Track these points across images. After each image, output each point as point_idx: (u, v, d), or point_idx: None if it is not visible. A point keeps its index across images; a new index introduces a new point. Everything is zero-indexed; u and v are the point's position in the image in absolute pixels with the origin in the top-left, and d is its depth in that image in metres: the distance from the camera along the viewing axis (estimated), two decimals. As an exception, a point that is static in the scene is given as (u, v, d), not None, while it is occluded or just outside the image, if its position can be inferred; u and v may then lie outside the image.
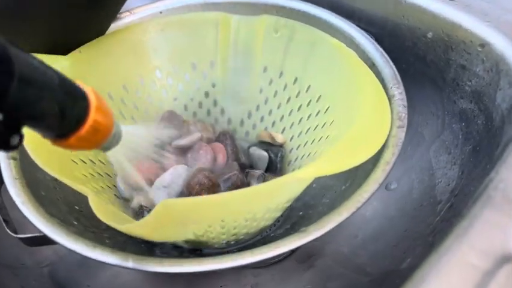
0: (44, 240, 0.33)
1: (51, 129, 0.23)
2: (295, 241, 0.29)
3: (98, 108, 0.25)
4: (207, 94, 0.50)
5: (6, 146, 0.21)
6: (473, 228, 0.24)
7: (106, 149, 0.28)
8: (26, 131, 0.28)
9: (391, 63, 0.39)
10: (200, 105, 0.51)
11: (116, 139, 0.28)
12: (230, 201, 0.29)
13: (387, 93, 0.37)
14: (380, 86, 0.36)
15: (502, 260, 0.22)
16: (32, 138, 0.32)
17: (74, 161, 0.38)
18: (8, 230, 0.34)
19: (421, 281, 0.22)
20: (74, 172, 0.37)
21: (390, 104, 0.36)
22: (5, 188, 0.36)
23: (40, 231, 0.31)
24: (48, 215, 0.32)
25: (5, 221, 0.34)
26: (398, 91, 0.37)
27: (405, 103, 0.36)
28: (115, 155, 0.31)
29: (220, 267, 0.28)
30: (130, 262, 0.28)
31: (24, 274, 0.37)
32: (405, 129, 0.34)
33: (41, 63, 0.21)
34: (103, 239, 0.34)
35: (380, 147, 0.31)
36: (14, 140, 0.21)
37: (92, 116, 0.24)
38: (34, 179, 0.36)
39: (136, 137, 0.33)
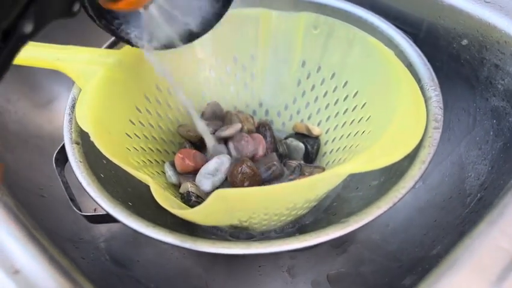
0: (105, 219, 0.36)
1: None
2: (338, 231, 0.31)
3: None
4: (246, 86, 0.53)
5: (69, 14, 0.23)
6: (504, 215, 0.27)
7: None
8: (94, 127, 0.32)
9: (429, 65, 0.41)
10: (239, 96, 0.53)
11: None
12: (275, 193, 0.32)
13: (423, 94, 0.38)
14: (417, 86, 0.38)
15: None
16: (97, 131, 0.36)
17: (128, 149, 0.42)
18: (74, 208, 0.37)
19: (454, 262, 0.25)
20: (129, 159, 0.41)
21: (427, 105, 0.38)
22: (66, 170, 0.40)
23: (104, 211, 0.34)
24: (110, 196, 0.35)
25: (71, 199, 0.38)
26: (435, 93, 0.38)
27: (442, 105, 0.38)
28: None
29: (268, 251, 0.30)
30: (187, 243, 0.31)
31: (83, 247, 0.41)
32: (440, 130, 0.36)
33: None
34: (154, 219, 0.37)
35: (413, 148, 0.33)
36: (76, 6, 0.23)
37: None
38: (94, 163, 0.39)
39: None
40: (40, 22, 0.21)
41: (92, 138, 0.35)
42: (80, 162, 0.38)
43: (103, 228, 0.45)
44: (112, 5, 0.27)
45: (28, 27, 0.20)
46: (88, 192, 0.35)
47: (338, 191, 0.46)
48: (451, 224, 0.41)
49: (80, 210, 0.37)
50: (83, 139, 0.40)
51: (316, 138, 0.49)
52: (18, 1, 0.19)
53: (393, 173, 0.38)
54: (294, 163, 0.46)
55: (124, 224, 0.33)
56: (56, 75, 0.52)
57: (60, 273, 0.26)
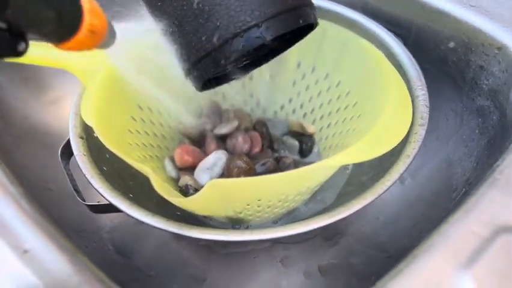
0: (107, 208, 0.38)
1: (50, 35, 0.25)
2: (326, 219, 0.33)
3: (91, 11, 0.27)
4: (244, 86, 0.55)
5: (15, 52, 0.24)
6: (479, 204, 0.29)
7: (104, 47, 0.31)
8: (97, 122, 0.34)
9: (417, 66, 0.43)
10: (238, 96, 0.56)
11: (112, 37, 0.31)
12: (267, 183, 0.34)
13: (411, 93, 0.41)
14: (405, 86, 0.40)
15: (501, 230, 0.27)
16: (100, 126, 0.38)
17: (130, 144, 0.44)
18: (79, 198, 0.39)
19: (430, 246, 0.27)
20: (131, 154, 0.43)
21: (414, 103, 0.40)
22: (71, 164, 0.42)
23: (106, 201, 0.37)
24: (112, 187, 0.38)
25: (76, 190, 0.40)
26: (422, 92, 0.41)
27: (428, 104, 0.40)
28: (115, 55, 0.34)
29: (264, 238, 0.32)
30: (183, 229, 0.33)
31: (87, 237, 0.43)
32: (425, 127, 0.38)
33: None
34: (153, 210, 0.39)
35: (399, 142, 0.35)
36: (21, 47, 0.24)
37: (88, 19, 0.26)
38: (97, 157, 0.41)
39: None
40: None
41: (95, 132, 0.37)
42: (84, 155, 0.40)
43: (105, 220, 0.47)
44: (61, 46, 0.27)
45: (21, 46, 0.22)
46: (91, 183, 0.37)
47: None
48: (438, 216, 0.42)
49: (84, 201, 0.39)
50: (87, 134, 0.42)
51: (311, 136, 0.51)
52: None
53: (382, 168, 0.40)
54: (288, 159, 0.48)
55: (124, 213, 0.36)
56: (62, 75, 0.55)
57: (66, 255, 0.28)
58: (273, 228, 0.34)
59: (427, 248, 0.28)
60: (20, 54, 0.24)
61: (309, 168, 0.35)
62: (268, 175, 0.32)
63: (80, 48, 0.27)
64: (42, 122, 0.54)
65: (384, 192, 0.35)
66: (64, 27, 0.25)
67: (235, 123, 0.50)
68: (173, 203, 0.35)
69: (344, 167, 0.49)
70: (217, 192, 0.33)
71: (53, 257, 0.28)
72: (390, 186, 0.35)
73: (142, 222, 0.45)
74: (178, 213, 0.44)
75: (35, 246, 0.28)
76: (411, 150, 0.38)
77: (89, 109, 0.39)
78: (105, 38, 0.29)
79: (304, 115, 0.53)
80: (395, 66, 0.43)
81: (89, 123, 0.38)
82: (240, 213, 0.40)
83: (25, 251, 0.28)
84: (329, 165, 0.36)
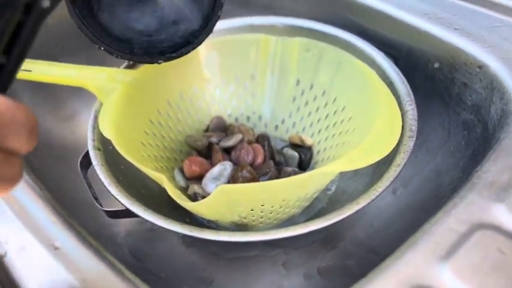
0: (124, 214, 0.42)
1: None
2: (323, 222, 0.37)
3: None
4: (247, 103, 0.59)
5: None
6: (458, 205, 0.32)
7: None
8: (115, 135, 0.38)
9: (406, 83, 0.47)
10: (241, 112, 0.60)
11: None
12: (270, 188, 0.38)
13: (401, 108, 0.45)
14: (395, 102, 0.44)
15: (476, 227, 0.30)
16: (117, 139, 0.42)
17: (143, 155, 0.48)
18: (97, 204, 0.43)
19: (413, 243, 0.31)
20: (145, 164, 0.47)
21: (404, 117, 0.44)
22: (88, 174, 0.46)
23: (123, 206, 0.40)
24: (128, 194, 0.41)
25: (94, 198, 0.44)
26: (411, 107, 0.45)
27: (416, 117, 0.43)
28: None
29: (266, 238, 0.36)
30: (195, 232, 0.37)
31: (104, 242, 0.46)
32: (414, 139, 0.42)
33: None
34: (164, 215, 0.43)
35: (390, 151, 0.38)
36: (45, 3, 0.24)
37: None
38: (113, 167, 0.45)
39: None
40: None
41: (114, 144, 0.41)
42: (102, 165, 0.44)
43: (120, 227, 0.51)
44: None
45: (46, 2, 0.22)
46: (109, 191, 0.41)
47: (329, 195, 0.52)
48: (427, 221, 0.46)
49: (102, 206, 0.43)
50: (104, 146, 0.46)
51: (309, 148, 0.55)
52: None
53: (375, 177, 0.44)
54: (289, 169, 0.51)
55: (141, 218, 0.39)
56: (77, 92, 0.59)
57: (93, 252, 0.32)
58: (274, 230, 0.37)
59: (411, 244, 0.31)
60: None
61: (308, 175, 0.39)
62: (271, 181, 0.36)
63: None
64: (60, 136, 0.58)
65: (376, 198, 0.39)
66: None
67: (239, 137, 0.53)
68: (185, 207, 0.39)
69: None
70: (225, 196, 0.37)
71: (82, 254, 0.32)
72: (381, 192, 0.39)
73: (154, 228, 0.49)
74: (187, 219, 0.48)
75: (65, 243, 0.32)
76: (401, 159, 0.41)
77: (107, 124, 0.43)
78: None
79: (304, 129, 0.57)
80: (386, 84, 0.47)
81: (107, 136, 0.42)
82: (245, 218, 0.43)
83: (56, 248, 0.31)
84: (325, 172, 0.39)
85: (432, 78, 0.52)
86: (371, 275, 0.30)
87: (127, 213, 0.41)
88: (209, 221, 0.49)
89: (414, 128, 0.44)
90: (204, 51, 0.56)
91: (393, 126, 0.42)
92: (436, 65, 0.50)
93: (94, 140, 0.46)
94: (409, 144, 0.43)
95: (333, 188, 0.53)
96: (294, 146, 0.56)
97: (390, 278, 0.29)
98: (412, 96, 0.46)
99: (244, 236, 0.37)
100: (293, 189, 0.40)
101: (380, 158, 0.38)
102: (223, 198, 0.37)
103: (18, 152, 0.21)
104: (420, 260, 0.30)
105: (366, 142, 0.42)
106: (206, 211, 0.41)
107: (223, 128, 0.57)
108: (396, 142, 0.40)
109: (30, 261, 0.31)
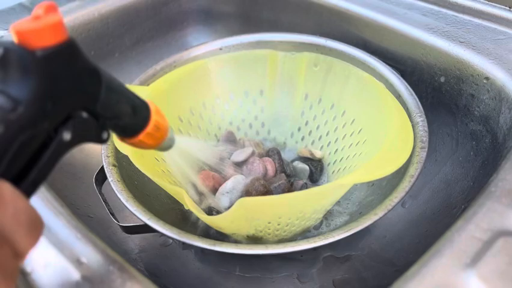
0: (141, 229, 0.42)
1: (127, 127, 0.30)
2: (342, 233, 0.37)
3: (157, 112, 0.32)
4: (256, 117, 0.60)
5: (99, 139, 0.27)
6: (478, 213, 0.33)
7: (165, 149, 0.35)
8: (131, 152, 0.38)
9: (414, 95, 0.48)
10: (250, 126, 0.60)
11: (171, 141, 0.35)
12: (288, 200, 0.38)
13: (411, 120, 0.45)
14: (405, 113, 0.45)
15: (498, 234, 0.31)
16: (134, 155, 0.42)
17: (157, 171, 0.48)
18: (114, 219, 0.43)
19: (437, 250, 0.31)
20: (161, 180, 0.47)
21: (414, 129, 0.44)
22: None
23: (141, 222, 0.40)
24: (145, 209, 0.41)
25: (111, 213, 0.44)
26: (421, 119, 0.45)
27: (427, 129, 0.44)
28: (172, 157, 0.39)
29: (286, 251, 0.36)
30: (216, 246, 0.37)
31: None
32: (426, 149, 0.42)
33: (118, 80, 0.28)
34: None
35: (404, 162, 0.39)
36: (104, 135, 0.28)
37: (154, 116, 0.31)
38: (128, 184, 0.45)
39: (191, 147, 0.42)
40: (76, 136, 0.25)
41: (131, 160, 0.41)
42: (118, 181, 0.44)
43: (132, 244, 0.50)
44: (132, 140, 0.31)
45: (66, 136, 0.24)
46: (127, 207, 0.41)
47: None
48: (440, 232, 0.46)
49: (118, 222, 0.43)
50: (119, 163, 0.46)
51: (319, 160, 0.56)
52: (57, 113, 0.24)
53: (388, 189, 0.44)
54: (300, 182, 0.52)
55: (157, 232, 0.39)
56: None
57: (117, 267, 0.32)
58: (294, 242, 0.37)
59: (434, 253, 0.32)
60: (103, 141, 0.28)
61: (326, 187, 0.40)
62: (290, 193, 0.36)
63: (147, 142, 0.31)
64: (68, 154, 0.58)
65: (392, 208, 0.39)
66: (137, 119, 0.30)
67: (249, 150, 0.54)
68: (204, 221, 0.39)
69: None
70: (245, 209, 0.37)
71: (106, 268, 0.31)
72: (398, 202, 0.39)
73: (168, 244, 0.49)
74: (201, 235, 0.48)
75: (89, 258, 0.32)
76: (415, 170, 0.42)
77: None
78: (166, 139, 0.33)
79: (313, 142, 0.58)
80: (394, 96, 0.48)
81: (124, 152, 0.42)
82: (261, 231, 0.43)
83: (81, 263, 0.31)
84: (342, 184, 0.40)
85: (439, 90, 0.53)
86: (398, 284, 0.30)
87: (144, 229, 0.41)
88: (222, 237, 0.49)
89: (426, 139, 0.45)
90: (213, 67, 0.57)
91: (405, 137, 0.43)
92: (442, 78, 0.52)
93: (108, 157, 0.46)
94: (421, 155, 0.43)
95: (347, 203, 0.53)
96: (304, 159, 0.56)
97: (417, 287, 0.30)
98: (421, 108, 0.47)
99: (264, 249, 0.37)
100: (310, 202, 0.41)
101: (396, 169, 0.38)
102: (243, 211, 0.37)
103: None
104: (446, 267, 0.30)
105: (380, 154, 0.42)
106: (225, 224, 0.41)
107: (233, 142, 0.57)
108: (410, 153, 0.41)
109: (56, 277, 0.31)
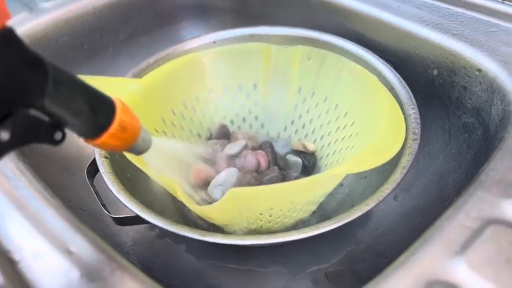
0: (133, 220, 0.42)
1: (85, 126, 0.26)
2: (333, 224, 0.37)
3: (123, 110, 0.29)
4: (249, 111, 0.60)
5: (51, 140, 0.25)
6: (468, 202, 0.33)
7: (138, 152, 0.32)
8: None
9: (407, 88, 0.48)
10: (244, 119, 0.60)
11: (146, 143, 0.32)
12: (279, 190, 0.38)
13: (403, 112, 0.45)
14: (397, 105, 0.45)
15: (488, 223, 0.31)
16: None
17: (149, 163, 0.48)
18: (105, 211, 0.43)
19: (427, 238, 0.31)
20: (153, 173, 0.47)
21: (406, 121, 0.44)
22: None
23: (132, 213, 0.40)
24: (137, 201, 0.41)
25: (102, 205, 0.44)
26: (413, 111, 0.45)
27: (419, 121, 0.44)
28: (151, 159, 0.35)
29: (278, 241, 0.36)
30: (207, 236, 0.37)
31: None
32: (418, 141, 0.42)
33: (70, 73, 0.25)
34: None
35: (396, 153, 0.39)
36: (58, 136, 0.25)
37: (119, 115, 0.28)
38: (120, 176, 0.45)
39: (175, 147, 0.40)
40: (17, 136, 0.23)
41: (125, 154, 0.41)
42: (110, 173, 0.44)
43: (125, 236, 0.50)
44: (95, 141, 0.28)
45: (4, 135, 0.22)
46: (118, 198, 0.41)
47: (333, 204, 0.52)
48: (432, 223, 0.47)
49: (110, 213, 0.43)
50: (111, 155, 0.46)
51: (312, 154, 0.56)
52: None
53: (380, 181, 0.44)
54: (293, 175, 0.52)
55: (149, 224, 0.39)
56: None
57: (107, 256, 0.32)
58: (285, 233, 0.37)
59: (424, 241, 0.32)
60: (56, 143, 0.26)
61: (317, 177, 0.40)
62: (281, 183, 0.36)
63: (111, 144, 0.28)
64: (62, 147, 0.58)
65: (384, 199, 0.39)
66: (96, 119, 0.27)
67: (242, 143, 0.54)
68: (196, 212, 0.39)
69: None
70: (236, 199, 0.37)
71: (96, 257, 0.31)
72: (390, 193, 0.39)
73: (161, 236, 0.49)
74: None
75: (79, 248, 0.32)
76: (407, 162, 0.42)
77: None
78: (136, 140, 0.30)
79: (306, 135, 0.58)
80: (387, 89, 0.48)
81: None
82: (253, 223, 0.43)
83: (70, 252, 0.31)
84: (333, 174, 0.40)
85: (432, 83, 0.53)
86: (387, 272, 0.30)
87: (136, 220, 0.41)
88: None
89: (418, 131, 0.44)
90: (206, 60, 0.57)
91: (397, 129, 0.43)
92: (435, 71, 0.52)
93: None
94: (413, 146, 0.43)
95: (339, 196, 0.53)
96: (297, 152, 0.56)
97: (406, 274, 0.30)
98: (414, 101, 0.47)
99: (256, 239, 0.37)
100: (302, 192, 0.40)
101: (387, 160, 0.38)
102: (234, 201, 0.37)
103: None
104: (435, 255, 0.30)
105: (371, 145, 0.42)
106: (216, 215, 0.41)
107: (226, 135, 0.57)
108: (401, 144, 0.41)
109: (45, 266, 0.31)
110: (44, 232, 0.33)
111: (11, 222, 0.34)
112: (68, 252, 0.31)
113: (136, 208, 0.40)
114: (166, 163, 0.37)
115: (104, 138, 0.27)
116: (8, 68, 0.22)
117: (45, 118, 0.24)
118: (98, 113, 0.27)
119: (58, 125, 0.25)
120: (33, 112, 0.23)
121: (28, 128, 0.23)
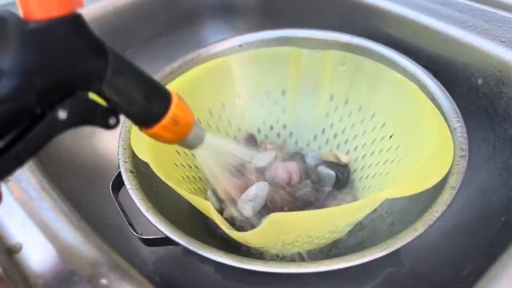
0: (163, 242, 0.39)
1: (138, 115, 0.28)
2: (380, 251, 0.34)
3: (178, 104, 0.29)
4: (277, 118, 0.57)
5: (106, 125, 0.26)
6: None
7: (190, 146, 0.33)
8: (151, 158, 0.35)
9: (451, 99, 0.44)
10: (271, 127, 0.57)
11: (198, 139, 0.32)
12: (323, 216, 0.35)
13: (448, 125, 0.42)
14: (442, 118, 0.42)
15: None
16: (153, 162, 0.39)
17: (177, 178, 0.45)
18: (133, 232, 0.40)
19: (492, 280, 0.28)
20: (181, 187, 0.44)
21: (453, 135, 0.41)
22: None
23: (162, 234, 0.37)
24: (166, 220, 0.38)
25: (130, 224, 0.41)
26: (459, 124, 0.42)
27: (466, 135, 0.41)
28: (201, 156, 0.36)
29: (321, 270, 0.33)
30: (244, 264, 0.34)
31: (136, 269, 0.43)
32: (467, 158, 0.39)
33: (130, 62, 0.26)
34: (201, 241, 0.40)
35: (445, 174, 0.36)
36: (112, 121, 0.26)
37: (173, 109, 0.29)
38: (146, 189, 0.42)
39: (223, 146, 0.39)
40: (74, 116, 0.24)
41: (152, 168, 0.38)
42: (136, 189, 0.41)
43: (149, 253, 0.48)
44: (147, 131, 0.29)
45: (62, 114, 0.23)
46: (147, 217, 0.38)
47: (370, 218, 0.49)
48: (478, 246, 0.44)
49: (137, 233, 0.40)
50: (136, 168, 0.43)
51: (346, 166, 0.52)
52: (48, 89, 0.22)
53: (422, 197, 0.41)
54: (326, 189, 0.49)
55: (184, 247, 0.36)
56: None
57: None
58: (328, 260, 0.35)
59: (489, 280, 0.29)
60: (109, 127, 0.26)
61: (363, 202, 0.37)
62: (324, 209, 0.33)
63: (163, 135, 0.29)
64: (80, 154, 0.55)
65: (433, 223, 0.36)
66: (150, 109, 0.28)
67: (272, 154, 0.51)
68: (234, 237, 0.36)
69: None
70: (277, 225, 0.34)
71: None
72: (439, 217, 0.36)
73: (185, 253, 0.46)
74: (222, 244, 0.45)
75: (110, 278, 0.29)
76: (455, 181, 0.39)
77: (142, 146, 0.41)
78: (189, 135, 0.31)
79: (338, 145, 0.55)
80: (428, 99, 0.44)
81: (143, 159, 0.39)
82: (288, 244, 0.41)
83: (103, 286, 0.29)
84: (378, 199, 0.37)
85: (475, 92, 0.49)
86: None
87: (166, 241, 0.38)
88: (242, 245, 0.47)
89: (465, 146, 0.41)
90: (233, 65, 0.54)
91: (444, 145, 0.40)
92: (480, 80, 0.48)
93: (126, 162, 0.43)
94: (462, 164, 0.40)
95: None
96: (329, 163, 0.53)
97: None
98: (459, 113, 0.44)
99: (298, 267, 0.34)
100: (347, 216, 0.38)
101: (438, 181, 0.35)
102: (275, 227, 0.34)
103: None
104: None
105: (420, 165, 0.40)
106: (255, 240, 0.38)
107: (254, 145, 0.54)
108: (451, 163, 0.38)
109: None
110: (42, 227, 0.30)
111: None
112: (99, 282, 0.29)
113: (166, 229, 0.37)
114: (215, 162, 0.38)
115: (156, 129, 0.29)
116: (73, 52, 0.23)
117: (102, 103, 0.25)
118: (153, 104, 0.28)
119: (113, 110, 0.26)
120: (89, 95, 0.25)
121: (85, 110, 0.24)
